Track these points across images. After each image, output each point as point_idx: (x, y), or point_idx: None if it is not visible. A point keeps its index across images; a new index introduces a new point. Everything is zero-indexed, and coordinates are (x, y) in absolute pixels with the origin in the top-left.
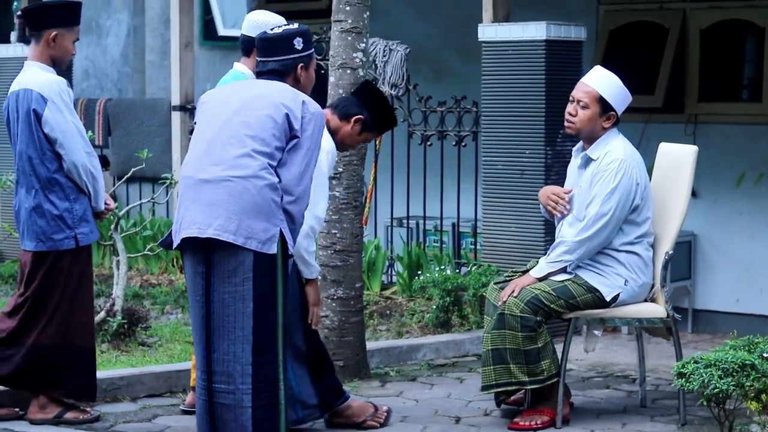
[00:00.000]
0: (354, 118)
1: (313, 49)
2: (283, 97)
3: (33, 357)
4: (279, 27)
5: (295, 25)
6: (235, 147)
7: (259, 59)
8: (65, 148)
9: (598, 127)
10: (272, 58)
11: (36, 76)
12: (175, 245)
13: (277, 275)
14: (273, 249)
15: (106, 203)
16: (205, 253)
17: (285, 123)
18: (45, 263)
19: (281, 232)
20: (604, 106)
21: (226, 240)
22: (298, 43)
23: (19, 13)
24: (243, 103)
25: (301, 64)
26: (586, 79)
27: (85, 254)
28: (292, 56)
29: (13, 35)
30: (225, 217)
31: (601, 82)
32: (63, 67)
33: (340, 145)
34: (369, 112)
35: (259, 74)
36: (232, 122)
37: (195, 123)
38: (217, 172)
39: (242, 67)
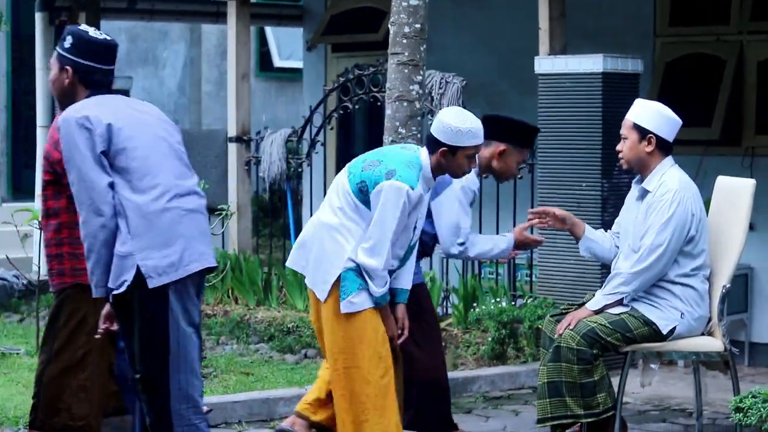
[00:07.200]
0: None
1: None
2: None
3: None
4: None
5: None
6: None
7: None
8: None
9: (642, 153)
10: None
11: None
12: None
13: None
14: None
15: None
16: None
17: None
18: None
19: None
20: (640, 131)
21: None
22: None
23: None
24: None
25: None
26: (627, 115)
27: None
28: None
29: None
30: None
31: (634, 111)
32: (502, 180)
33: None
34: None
35: None
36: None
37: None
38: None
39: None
